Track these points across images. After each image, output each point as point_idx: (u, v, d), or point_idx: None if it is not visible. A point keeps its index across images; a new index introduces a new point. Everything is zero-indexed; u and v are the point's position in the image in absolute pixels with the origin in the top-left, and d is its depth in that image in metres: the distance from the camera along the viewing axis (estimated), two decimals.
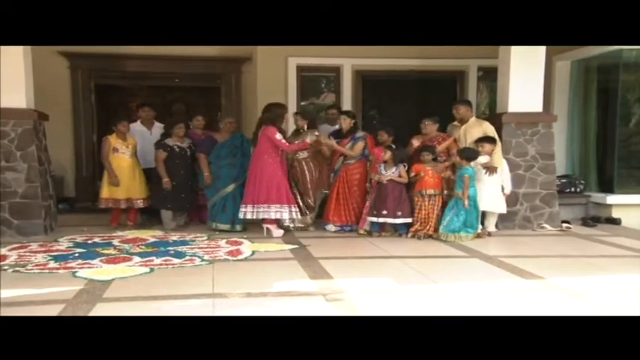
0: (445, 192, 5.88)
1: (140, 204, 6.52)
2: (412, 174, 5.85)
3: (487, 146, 5.91)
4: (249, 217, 5.83)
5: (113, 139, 6.45)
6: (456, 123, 6.35)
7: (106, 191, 6.42)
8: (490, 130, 6.10)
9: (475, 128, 6.15)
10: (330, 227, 6.27)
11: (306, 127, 6.35)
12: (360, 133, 6.37)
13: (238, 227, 6.11)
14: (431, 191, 5.81)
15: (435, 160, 5.92)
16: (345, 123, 6.33)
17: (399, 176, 5.88)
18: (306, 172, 6.29)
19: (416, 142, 6.21)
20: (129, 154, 6.47)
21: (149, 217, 6.79)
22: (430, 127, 6.17)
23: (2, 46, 5.48)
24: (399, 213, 5.83)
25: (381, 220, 5.88)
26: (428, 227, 5.78)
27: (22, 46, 5.74)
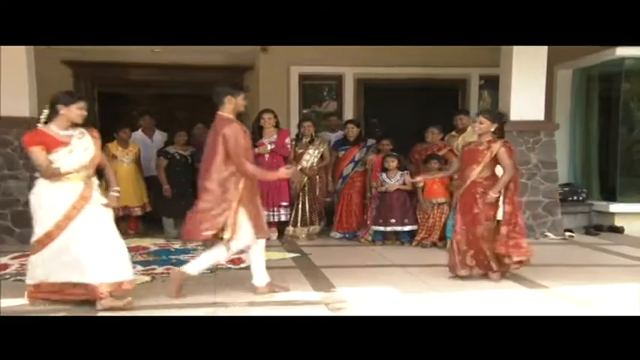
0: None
1: (138, 212, 6.49)
2: (420, 184, 5.84)
3: None
4: None
5: (112, 147, 6.44)
6: (453, 133, 6.35)
7: None
8: None
9: (473, 138, 6.14)
10: (335, 234, 6.32)
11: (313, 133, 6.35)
12: (370, 142, 6.44)
13: None
14: (438, 200, 5.81)
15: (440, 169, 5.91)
16: (353, 132, 6.39)
17: (403, 184, 5.89)
18: (324, 180, 6.38)
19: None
20: (128, 161, 6.46)
21: (151, 225, 6.78)
22: (436, 135, 6.21)
23: (6, 55, 5.50)
24: (406, 220, 5.87)
25: (389, 228, 5.90)
26: (433, 236, 5.77)
27: (25, 55, 5.77)
